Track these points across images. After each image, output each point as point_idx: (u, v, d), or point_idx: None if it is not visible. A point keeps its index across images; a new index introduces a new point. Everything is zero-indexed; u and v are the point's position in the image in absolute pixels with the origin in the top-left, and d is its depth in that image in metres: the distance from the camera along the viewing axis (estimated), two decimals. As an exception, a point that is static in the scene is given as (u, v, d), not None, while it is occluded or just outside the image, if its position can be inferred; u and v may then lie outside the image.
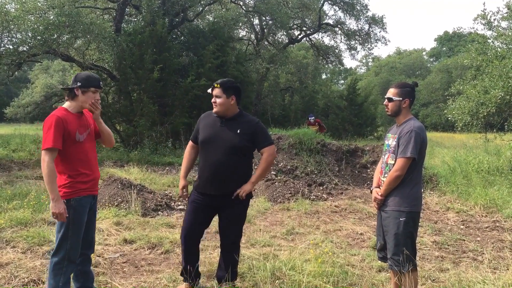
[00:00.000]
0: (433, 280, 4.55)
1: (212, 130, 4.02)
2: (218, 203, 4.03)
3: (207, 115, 4.20)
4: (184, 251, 4.11)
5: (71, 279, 3.69)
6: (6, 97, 51.21)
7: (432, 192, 9.16)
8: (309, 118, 15.83)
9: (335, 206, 8.17)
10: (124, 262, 4.99)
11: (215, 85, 3.98)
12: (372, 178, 10.12)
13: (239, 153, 3.97)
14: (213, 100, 3.99)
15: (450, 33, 60.89)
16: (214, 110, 4.02)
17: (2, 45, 16.13)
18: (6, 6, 14.67)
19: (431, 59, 64.08)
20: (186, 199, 4.18)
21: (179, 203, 7.94)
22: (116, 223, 6.37)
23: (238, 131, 3.97)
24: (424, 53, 65.59)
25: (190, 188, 4.24)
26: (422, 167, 3.85)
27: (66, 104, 3.58)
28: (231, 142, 3.94)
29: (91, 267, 3.91)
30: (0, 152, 14.50)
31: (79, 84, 3.52)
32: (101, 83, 3.63)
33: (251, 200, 7.95)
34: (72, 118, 3.51)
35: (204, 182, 4.00)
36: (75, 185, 3.48)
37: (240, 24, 24.59)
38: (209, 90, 4.06)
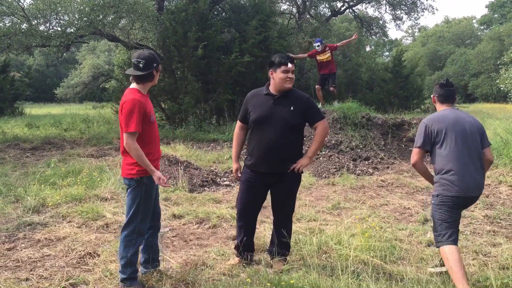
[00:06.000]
0: (485, 254, 4.45)
1: (265, 109, 4.00)
2: (272, 181, 4.08)
3: (254, 94, 4.16)
4: (241, 227, 4.21)
5: (139, 251, 3.91)
6: (56, 78, 53.01)
7: (483, 166, 8.88)
8: (315, 45, 11.75)
9: (381, 180, 8.06)
10: (173, 236, 5.13)
11: (294, 61, 4.02)
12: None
13: (293, 130, 4.01)
14: (290, 75, 3.97)
15: (503, -2, 57.86)
16: (289, 86, 4.00)
17: (51, 27, 16.65)
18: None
19: (482, 27, 61.22)
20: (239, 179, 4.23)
21: (225, 178, 8.05)
22: (164, 199, 6.56)
23: (292, 108, 3.98)
24: (474, 21, 62.73)
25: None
26: (450, 151, 3.76)
27: (138, 86, 3.69)
28: (285, 120, 3.96)
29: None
30: (53, 131, 15.07)
31: (154, 65, 3.67)
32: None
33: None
34: (146, 100, 3.67)
35: (258, 160, 4.02)
36: None
37: (282, -2, 24.23)
38: (290, 65, 3.96)
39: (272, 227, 4.41)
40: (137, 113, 3.52)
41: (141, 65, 3.62)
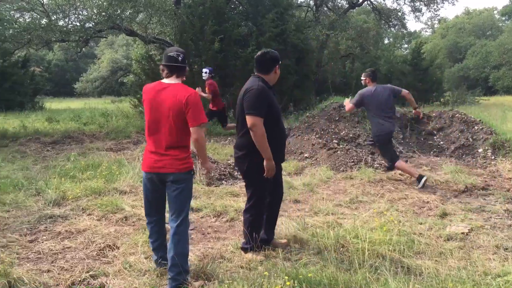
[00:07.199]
0: (506, 249, 4.38)
1: (277, 102, 4.23)
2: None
3: (265, 88, 4.08)
4: (260, 223, 4.32)
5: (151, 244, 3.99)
6: (75, 72, 53.60)
7: (504, 159, 8.72)
8: (203, 73, 10.20)
9: (399, 174, 7.99)
10: (191, 229, 5.16)
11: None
12: (439, 145, 9.79)
13: None
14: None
15: (525, -12, 56.66)
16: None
17: (70, 22, 16.83)
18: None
19: (503, 18, 60.09)
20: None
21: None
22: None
23: None
24: (495, 11, 61.62)
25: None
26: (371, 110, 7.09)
27: (178, 80, 3.69)
28: None
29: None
30: (73, 125, 15.25)
31: (186, 61, 3.77)
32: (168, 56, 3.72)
33: (312, 168, 8.02)
34: None
35: (282, 152, 4.30)
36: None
37: (299, -10, 24.08)
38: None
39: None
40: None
41: (180, 58, 3.65)
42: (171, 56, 3.65)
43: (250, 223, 4.23)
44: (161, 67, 3.73)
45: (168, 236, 3.75)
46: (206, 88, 10.16)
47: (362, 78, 7.37)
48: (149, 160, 3.69)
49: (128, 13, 15.89)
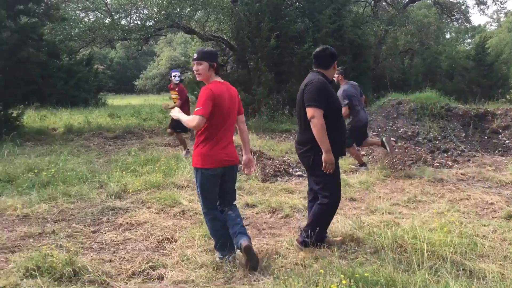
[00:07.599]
0: None
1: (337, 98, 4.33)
2: None
3: (327, 83, 4.17)
4: (330, 219, 4.37)
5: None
6: (136, 70, 55.33)
7: None
8: (171, 77, 9.53)
9: (461, 174, 7.69)
10: (247, 225, 5.20)
11: None
12: (504, 144, 9.34)
13: None
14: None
15: None
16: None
17: (131, 21, 17.38)
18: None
19: None
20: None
21: (297, 169, 8.03)
22: (238, 188, 6.64)
23: None
24: None
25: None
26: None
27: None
28: None
29: None
30: (133, 121, 15.75)
31: None
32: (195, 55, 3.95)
33: (368, 166, 7.91)
34: None
35: (343, 146, 4.38)
36: None
37: (357, -15, 23.64)
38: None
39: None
40: None
41: (216, 58, 3.97)
42: (218, 55, 3.96)
43: (321, 218, 4.24)
44: (215, 65, 3.92)
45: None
46: (176, 93, 9.40)
47: (334, 75, 7.68)
48: (223, 155, 3.90)
49: (186, 11, 16.19)
